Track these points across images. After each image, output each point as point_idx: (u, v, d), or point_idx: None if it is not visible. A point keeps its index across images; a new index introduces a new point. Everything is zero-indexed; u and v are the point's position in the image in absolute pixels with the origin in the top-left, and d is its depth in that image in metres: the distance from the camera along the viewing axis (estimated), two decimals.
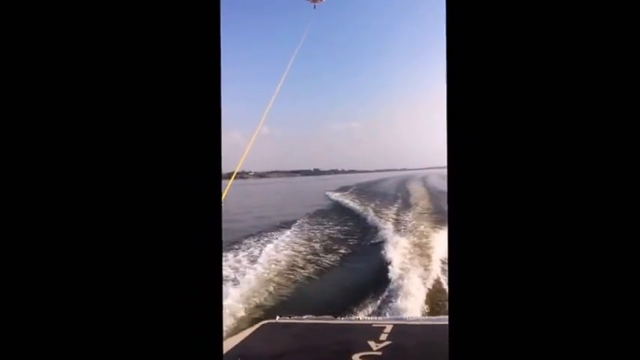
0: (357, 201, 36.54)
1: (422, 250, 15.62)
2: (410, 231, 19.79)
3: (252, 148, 7.66)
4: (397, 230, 20.20)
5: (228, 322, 9.73)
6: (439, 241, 16.07)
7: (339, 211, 32.02)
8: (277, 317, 5.89)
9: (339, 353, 4.28)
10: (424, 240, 17.40)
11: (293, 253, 17.10)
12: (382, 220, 23.79)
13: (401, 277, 12.12)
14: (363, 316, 8.68)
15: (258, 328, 5.33)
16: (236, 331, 8.94)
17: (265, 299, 11.61)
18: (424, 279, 12.14)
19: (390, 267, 13.32)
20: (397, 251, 15.33)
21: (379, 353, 4.26)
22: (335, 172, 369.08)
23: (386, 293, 11.11)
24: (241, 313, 10.49)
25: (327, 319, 5.90)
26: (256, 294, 11.81)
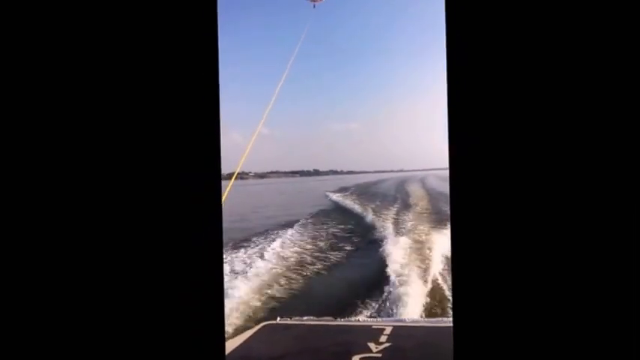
0: (358, 202, 37.35)
1: (421, 247, 16.58)
2: (410, 230, 20.58)
3: (252, 148, 8.00)
4: (397, 230, 20.96)
5: (242, 308, 10.65)
6: (438, 240, 17.01)
7: (340, 211, 32.96)
8: (278, 318, 5.97)
9: (339, 355, 4.35)
10: (424, 237, 18.31)
11: (301, 250, 18.01)
12: (383, 220, 24.54)
13: (402, 267, 13.22)
14: (362, 318, 9.00)
15: (259, 330, 5.44)
16: (251, 317, 9.97)
17: (277, 291, 12.47)
18: (424, 270, 13.16)
19: (391, 263, 14.21)
20: (398, 248, 16.27)
21: (379, 355, 4.33)
22: (334, 172, 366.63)
23: (390, 283, 12.06)
24: (256, 303, 11.40)
25: (327, 321, 6.01)
26: (269, 287, 12.67)
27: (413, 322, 6.17)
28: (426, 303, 10.76)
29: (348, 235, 21.85)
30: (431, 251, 15.41)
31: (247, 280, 12.98)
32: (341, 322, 6.23)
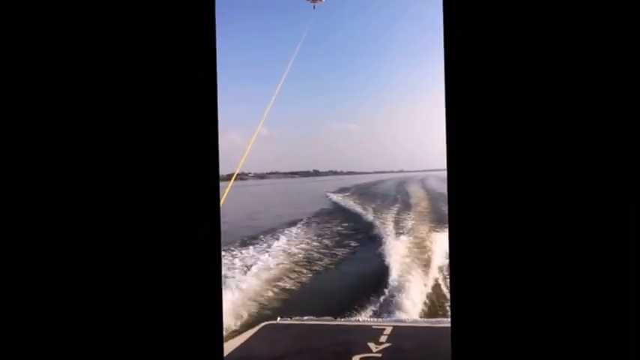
0: (358, 202, 38.32)
1: (421, 244, 17.50)
2: (410, 229, 21.40)
3: (252, 149, 8.16)
4: (397, 229, 21.70)
5: (254, 296, 11.67)
6: (437, 239, 17.85)
7: (342, 211, 33.90)
8: (278, 318, 6.01)
9: (339, 355, 4.37)
10: (424, 236, 19.20)
11: (308, 247, 18.93)
12: (383, 220, 25.28)
13: (404, 264, 14.19)
14: (362, 318, 9.22)
15: (259, 330, 5.48)
16: (264, 304, 10.91)
17: (287, 283, 13.35)
18: (424, 265, 14.15)
19: (393, 259, 15.12)
20: (399, 246, 17.14)
21: (379, 355, 4.35)
22: (334, 173, 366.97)
23: (392, 277, 13.03)
24: (269, 294, 12.34)
25: (327, 320, 6.04)
26: (280, 280, 13.57)
27: (413, 322, 6.26)
28: (427, 285, 12.05)
29: (352, 232, 22.73)
30: (432, 244, 16.63)
31: (260, 275, 13.85)
32: (341, 322, 6.31)
